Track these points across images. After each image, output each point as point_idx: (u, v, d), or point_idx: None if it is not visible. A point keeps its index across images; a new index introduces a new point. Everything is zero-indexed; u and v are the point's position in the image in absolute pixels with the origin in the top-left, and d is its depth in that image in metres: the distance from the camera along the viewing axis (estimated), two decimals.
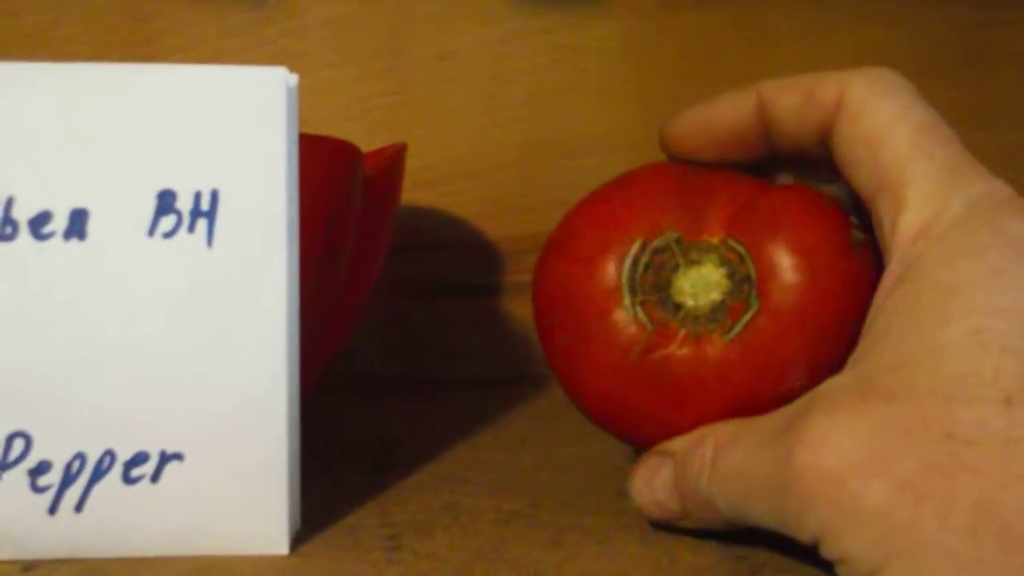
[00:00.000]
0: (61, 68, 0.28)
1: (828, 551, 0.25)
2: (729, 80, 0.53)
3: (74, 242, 0.28)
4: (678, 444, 0.30)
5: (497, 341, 0.51)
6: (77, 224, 0.28)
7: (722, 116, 0.32)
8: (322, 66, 0.50)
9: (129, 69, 0.28)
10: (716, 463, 0.28)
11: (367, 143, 0.41)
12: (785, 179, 0.34)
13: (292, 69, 0.29)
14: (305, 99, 0.49)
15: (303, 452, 0.30)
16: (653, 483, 0.30)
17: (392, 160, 0.39)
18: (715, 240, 0.31)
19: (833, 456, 0.24)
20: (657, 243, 0.31)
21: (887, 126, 0.28)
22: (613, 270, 0.31)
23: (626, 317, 0.31)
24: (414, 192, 0.50)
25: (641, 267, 0.31)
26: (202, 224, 0.28)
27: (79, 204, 0.28)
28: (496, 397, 0.47)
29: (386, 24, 0.50)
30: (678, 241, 0.31)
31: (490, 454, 0.39)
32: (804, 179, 0.33)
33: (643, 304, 0.31)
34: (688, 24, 0.52)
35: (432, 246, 0.51)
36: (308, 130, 0.34)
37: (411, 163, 0.45)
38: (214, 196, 0.28)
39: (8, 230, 0.27)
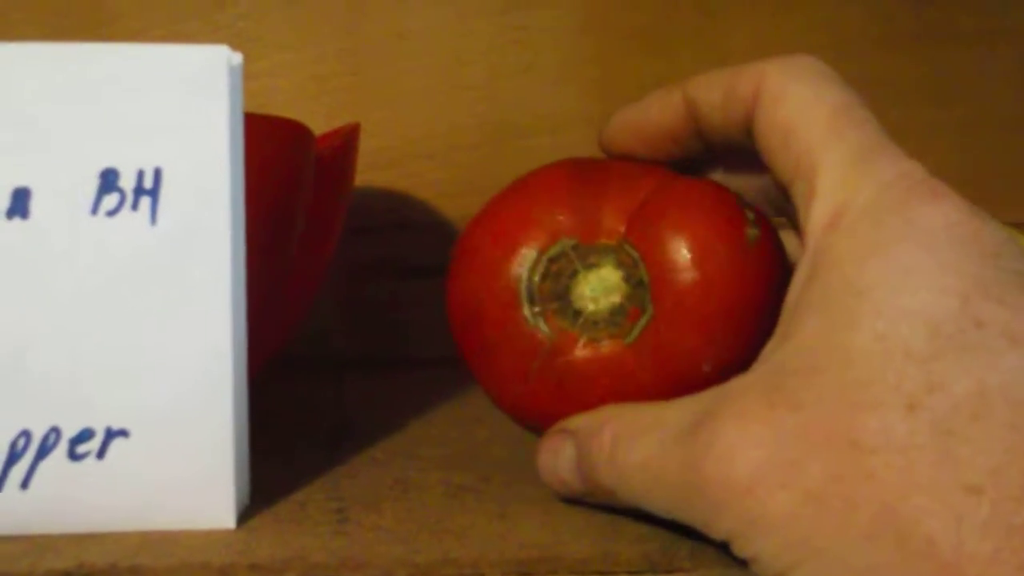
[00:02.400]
0: (2, 48, 0.28)
1: (738, 552, 0.25)
2: (688, 57, 0.53)
3: (17, 221, 0.28)
4: (578, 423, 0.30)
5: None
6: (19, 203, 0.28)
7: (651, 117, 0.32)
8: (278, 48, 0.50)
9: (71, 48, 0.28)
10: (616, 454, 0.28)
11: (324, 124, 0.42)
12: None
13: (248, 51, 0.29)
14: (262, 81, 0.50)
15: (258, 430, 0.30)
16: (557, 462, 0.30)
17: (345, 141, 0.39)
18: (612, 242, 0.31)
19: (742, 468, 0.24)
20: (552, 251, 0.31)
21: (800, 113, 0.28)
22: (512, 282, 0.31)
23: (526, 328, 0.31)
24: (372, 173, 0.50)
25: (538, 277, 0.31)
26: (145, 202, 0.28)
27: (21, 183, 0.28)
28: (452, 376, 0.47)
29: (342, 4, 0.50)
30: (575, 247, 0.31)
31: (444, 430, 0.40)
32: (736, 173, 0.33)
33: (543, 313, 0.31)
34: (646, 1, 0.53)
35: (390, 227, 0.51)
36: (264, 112, 0.34)
37: (369, 144, 0.46)
38: (157, 174, 0.28)
39: None
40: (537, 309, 0.31)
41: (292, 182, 0.35)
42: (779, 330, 0.27)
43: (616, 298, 0.31)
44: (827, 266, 0.26)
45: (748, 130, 0.30)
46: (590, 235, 0.31)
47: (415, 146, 0.51)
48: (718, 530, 0.25)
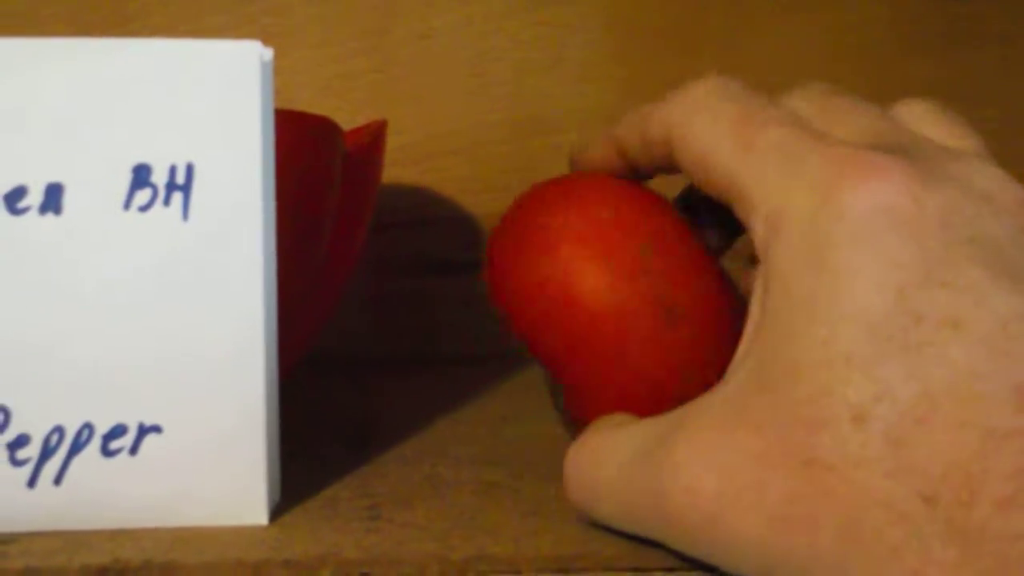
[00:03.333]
0: (35, 43, 0.28)
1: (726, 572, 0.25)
2: (712, 55, 0.53)
3: (50, 217, 0.28)
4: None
5: (480, 318, 0.51)
6: (52, 199, 0.28)
7: (594, 161, 0.33)
8: (305, 44, 0.50)
9: (103, 43, 0.28)
10: (583, 473, 0.28)
11: (350, 121, 0.42)
12: None
13: (275, 47, 0.29)
14: (288, 77, 0.50)
15: (287, 429, 0.30)
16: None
17: (373, 137, 0.39)
18: None
19: (706, 496, 0.24)
20: None
21: (706, 141, 0.28)
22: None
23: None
24: (398, 170, 0.50)
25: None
26: (177, 198, 0.28)
27: (54, 179, 0.28)
28: (479, 374, 0.47)
29: (369, 2, 0.50)
30: None
31: (472, 429, 0.39)
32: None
33: (558, 402, 0.33)
34: (671, 0, 0.52)
35: (416, 223, 0.51)
36: (291, 108, 0.34)
37: (395, 141, 0.46)
38: (189, 170, 0.28)
39: None
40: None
41: (322, 178, 0.35)
42: (743, 348, 0.27)
43: None
44: (771, 278, 0.25)
45: (675, 166, 0.30)
46: None
47: (441, 143, 0.51)
48: (698, 555, 0.25)
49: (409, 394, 0.46)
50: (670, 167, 0.30)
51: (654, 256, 0.30)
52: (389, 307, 0.51)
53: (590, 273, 0.30)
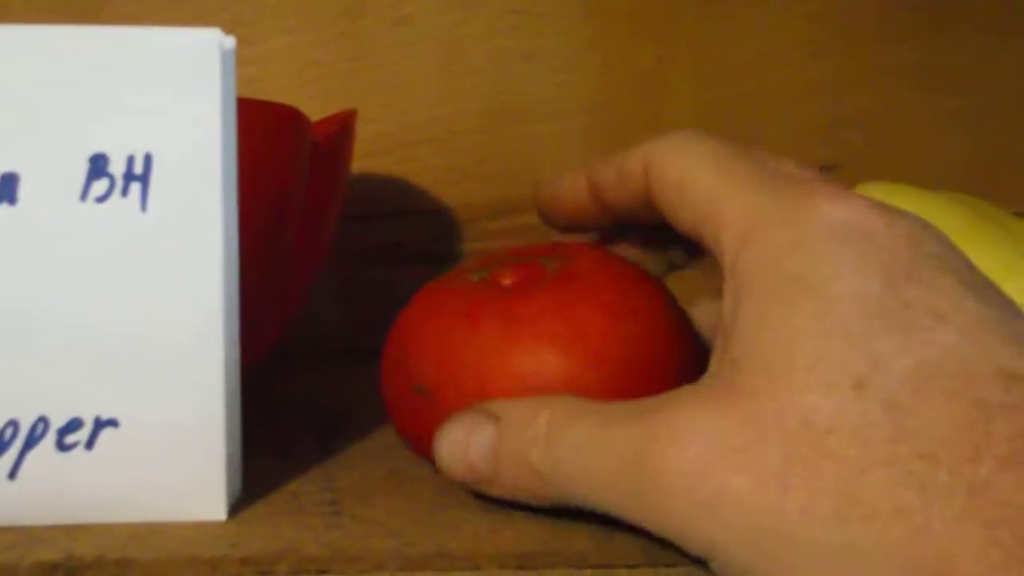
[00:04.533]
0: None
1: (690, 546, 0.25)
2: (689, 44, 0.53)
3: (4, 207, 0.27)
4: (505, 408, 0.29)
5: None
6: (7, 189, 0.27)
7: (564, 196, 0.34)
8: (277, 32, 0.49)
9: (60, 31, 0.28)
10: (552, 436, 0.28)
11: (323, 110, 0.41)
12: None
13: (245, 36, 0.29)
14: (260, 66, 0.49)
15: (252, 421, 0.30)
16: (468, 441, 0.29)
17: (341, 127, 0.39)
18: None
19: (692, 453, 0.24)
20: None
21: (688, 168, 0.29)
22: None
23: None
24: (371, 160, 0.50)
25: None
26: (135, 188, 0.28)
27: (9, 168, 0.27)
28: None
29: None
30: None
31: None
32: (646, 247, 0.36)
33: None
34: None
35: (390, 214, 0.51)
36: (263, 97, 0.34)
37: (368, 130, 0.45)
38: (148, 160, 0.28)
39: None
40: None
41: (287, 169, 0.34)
42: (719, 345, 0.27)
43: None
44: (751, 273, 0.26)
45: (644, 201, 0.31)
46: None
47: (415, 132, 0.51)
48: (667, 522, 0.25)
49: (377, 386, 0.45)
50: (638, 205, 0.32)
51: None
52: (361, 298, 0.51)
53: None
